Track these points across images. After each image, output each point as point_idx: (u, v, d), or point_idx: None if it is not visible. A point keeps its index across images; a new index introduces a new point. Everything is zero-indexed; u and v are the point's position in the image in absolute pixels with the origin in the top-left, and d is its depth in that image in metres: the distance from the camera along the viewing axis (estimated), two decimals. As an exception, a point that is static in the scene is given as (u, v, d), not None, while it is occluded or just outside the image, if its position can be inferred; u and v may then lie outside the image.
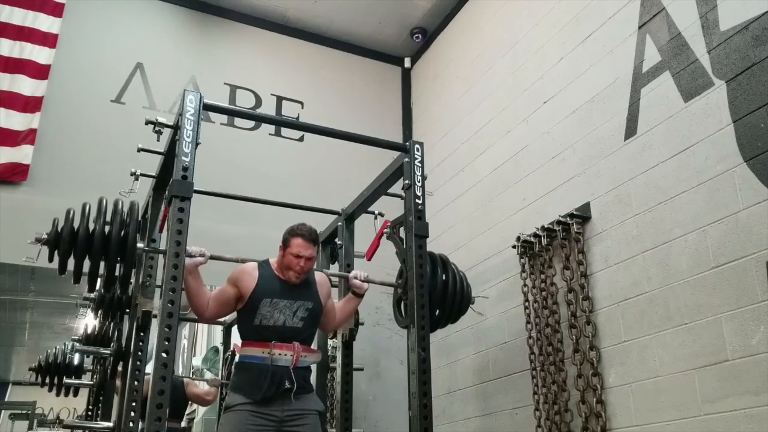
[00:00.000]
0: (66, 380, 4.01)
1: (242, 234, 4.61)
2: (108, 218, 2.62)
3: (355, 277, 2.95)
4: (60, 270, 2.58)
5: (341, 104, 5.49)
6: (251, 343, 2.62)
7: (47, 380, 4.03)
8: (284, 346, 2.58)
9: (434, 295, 3.02)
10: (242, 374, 2.61)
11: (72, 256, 2.56)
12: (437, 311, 3.11)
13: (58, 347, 4.15)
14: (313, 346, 2.81)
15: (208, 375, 5.34)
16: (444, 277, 3.11)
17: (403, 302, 2.91)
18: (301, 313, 2.67)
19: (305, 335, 2.70)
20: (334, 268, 3.61)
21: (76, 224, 2.60)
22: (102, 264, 2.60)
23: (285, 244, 2.74)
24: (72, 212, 2.62)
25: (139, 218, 2.72)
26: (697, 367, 2.73)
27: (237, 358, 2.76)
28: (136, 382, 2.97)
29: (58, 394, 4.22)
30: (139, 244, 2.59)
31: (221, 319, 5.46)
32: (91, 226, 2.58)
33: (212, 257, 2.73)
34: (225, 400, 2.70)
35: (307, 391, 2.64)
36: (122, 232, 2.59)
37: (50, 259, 2.58)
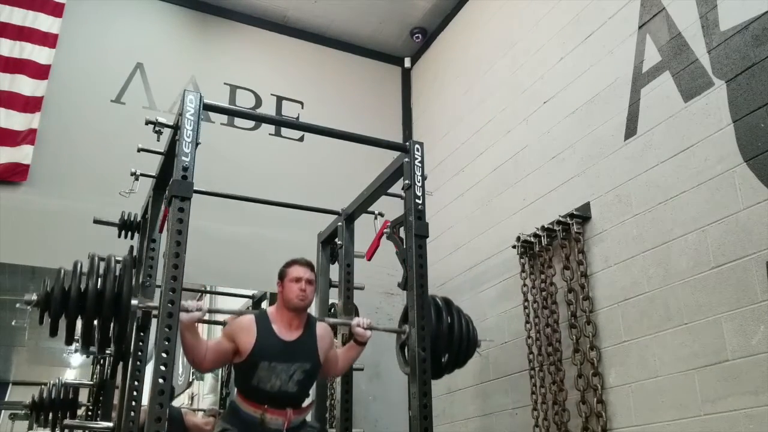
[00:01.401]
0: (66, 421, 3.92)
1: (242, 234, 4.62)
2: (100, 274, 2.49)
3: (358, 325, 2.86)
4: (51, 332, 2.45)
5: (341, 104, 5.49)
6: (245, 399, 2.61)
7: (41, 417, 3.97)
8: (277, 411, 2.58)
9: (440, 340, 2.93)
10: (235, 418, 2.63)
11: (63, 316, 2.42)
12: (444, 356, 3.01)
13: (52, 382, 4.11)
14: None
15: (208, 375, 5.34)
16: (449, 320, 3.02)
17: (406, 348, 2.83)
18: (297, 377, 2.63)
19: (300, 398, 2.70)
20: (334, 269, 3.61)
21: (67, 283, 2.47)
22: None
23: (282, 276, 2.74)
24: (63, 271, 2.48)
25: (133, 270, 2.59)
26: (697, 367, 2.73)
27: (233, 399, 2.73)
28: (136, 382, 2.97)
29: None
30: (134, 301, 2.47)
31: (220, 319, 5.48)
32: (83, 284, 2.43)
33: (210, 311, 2.66)
34: (215, 427, 2.71)
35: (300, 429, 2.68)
36: (115, 289, 2.46)
37: (41, 321, 2.43)
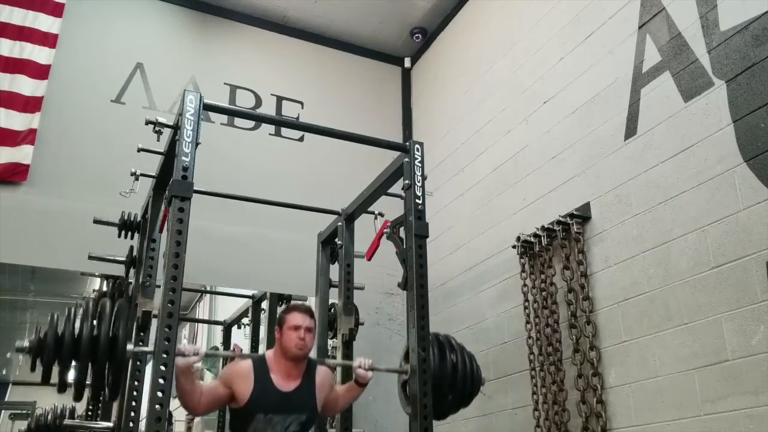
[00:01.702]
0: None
1: (242, 234, 4.62)
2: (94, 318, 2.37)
3: (360, 366, 2.80)
4: (43, 380, 2.31)
5: (341, 104, 5.49)
6: None
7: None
8: None
9: (444, 380, 2.84)
10: None
11: (56, 363, 2.31)
12: (449, 396, 2.90)
13: (47, 408, 4.09)
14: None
15: (208, 375, 5.33)
16: (454, 359, 2.91)
17: (408, 387, 2.77)
18: (293, 428, 2.61)
19: None
20: (334, 269, 3.61)
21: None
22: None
23: (280, 323, 2.69)
24: (56, 316, 2.36)
25: (128, 315, 2.47)
26: (697, 367, 2.73)
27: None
28: (136, 382, 2.97)
29: None
30: (129, 346, 2.36)
31: (221, 320, 5.49)
32: (77, 329, 2.32)
33: (207, 354, 2.61)
34: None
35: None
36: (111, 334, 2.34)
37: (32, 369, 2.33)
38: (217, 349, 5.47)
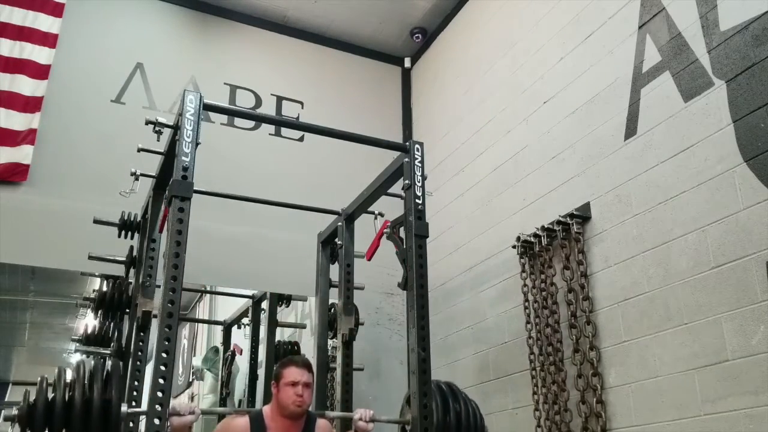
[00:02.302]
0: None
1: (242, 234, 4.62)
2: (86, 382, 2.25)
3: (360, 419, 2.71)
4: None
5: (341, 104, 5.49)
6: None
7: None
8: None
9: (449, 429, 2.68)
10: None
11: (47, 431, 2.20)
12: None
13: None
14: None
15: (208, 375, 5.33)
16: (457, 408, 2.75)
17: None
18: None
19: None
20: (334, 269, 3.61)
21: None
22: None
23: (277, 378, 2.65)
24: (45, 381, 2.26)
25: (119, 377, 2.36)
26: (697, 367, 2.74)
27: None
28: (136, 382, 2.97)
29: None
30: (123, 408, 2.27)
31: (221, 320, 5.49)
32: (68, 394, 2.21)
33: (204, 412, 2.50)
34: None
35: None
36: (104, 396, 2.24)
37: None
38: (217, 350, 5.47)
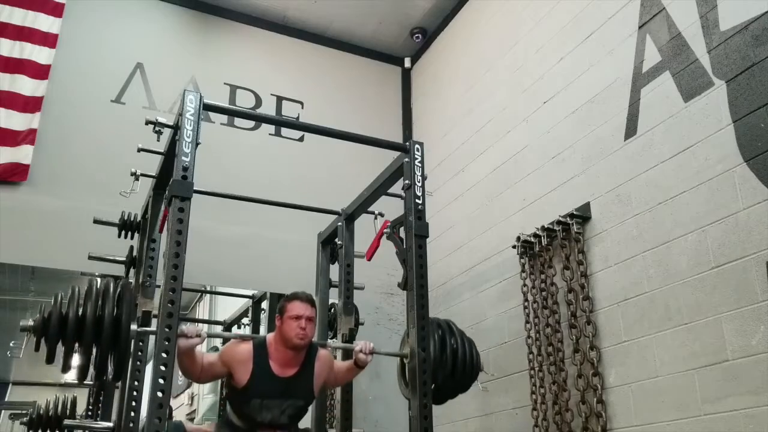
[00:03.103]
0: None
1: (242, 234, 4.62)
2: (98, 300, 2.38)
3: (361, 351, 2.81)
4: (48, 359, 2.36)
5: (341, 104, 5.49)
6: (239, 416, 2.65)
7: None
8: (268, 429, 2.63)
9: (443, 364, 2.87)
10: (228, 428, 2.68)
11: (60, 343, 2.33)
12: (448, 381, 2.94)
13: (49, 399, 4.09)
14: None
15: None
16: (453, 344, 2.96)
17: (407, 369, 2.76)
18: (290, 411, 2.65)
19: (291, 428, 2.71)
20: (334, 269, 3.61)
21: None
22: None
23: (282, 311, 2.69)
24: (60, 296, 2.39)
25: (132, 291, 2.50)
26: (697, 367, 2.73)
27: (227, 411, 2.73)
28: (136, 382, 2.97)
29: None
30: (133, 326, 2.40)
31: (221, 320, 5.49)
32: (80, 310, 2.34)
33: (210, 335, 2.63)
34: None
35: None
36: (114, 314, 2.37)
37: (36, 348, 2.36)
38: (217, 349, 5.47)
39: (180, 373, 2.59)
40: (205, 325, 5.59)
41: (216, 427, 2.73)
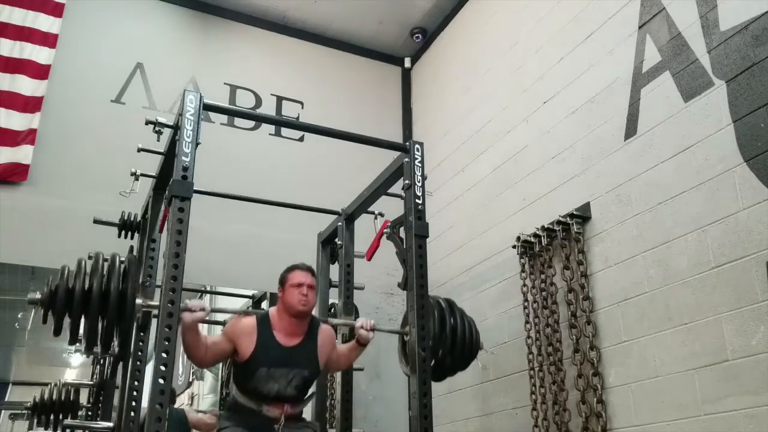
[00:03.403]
0: (66, 421, 3.92)
1: (242, 234, 4.62)
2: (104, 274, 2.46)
3: (362, 327, 2.82)
4: (55, 332, 2.42)
5: (341, 104, 5.49)
6: (245, 394, 2.65)
7: (42, 418, 3.98)
8: (274, 407, 2.62)
9: (443, 342, 2.92)
10: (234, 412, 2.68)
11: (67, 316, 2.39)
12: (447, 358, 3.00)
13: (53, 384, 4.11)
14: None
15: (208, 375, 5.34)
16: (452, 322, 3.01)
17: (407, 346, 2.81)
18: (296, 382, 2.66)
19: (297, 399, 2.72)
20: (334, 269, 3.61)
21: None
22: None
23: (283, 282, 2.73)
24: (66, 269, 2.45)
25: (135, 265, 2.55)
26: (697, 367, 2.73)
27: (233, 393, 2.74)
28: (136, 382, 2.97)
29: None
30: (138, 300, 2.45)
31: (220, 319, 5.48)
32: (87, 283, 2.41)
33: (213, 310, 2.65)
34: (217, 425, 2.74)
35: (298, 427, 2.70)
36: (120, 288, 2.44)
37: (44, 321, 2.42)
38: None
39: (185, 358, 2.60)
40: (208, 299, 5.59)
41: (221, 420, 2.72)
